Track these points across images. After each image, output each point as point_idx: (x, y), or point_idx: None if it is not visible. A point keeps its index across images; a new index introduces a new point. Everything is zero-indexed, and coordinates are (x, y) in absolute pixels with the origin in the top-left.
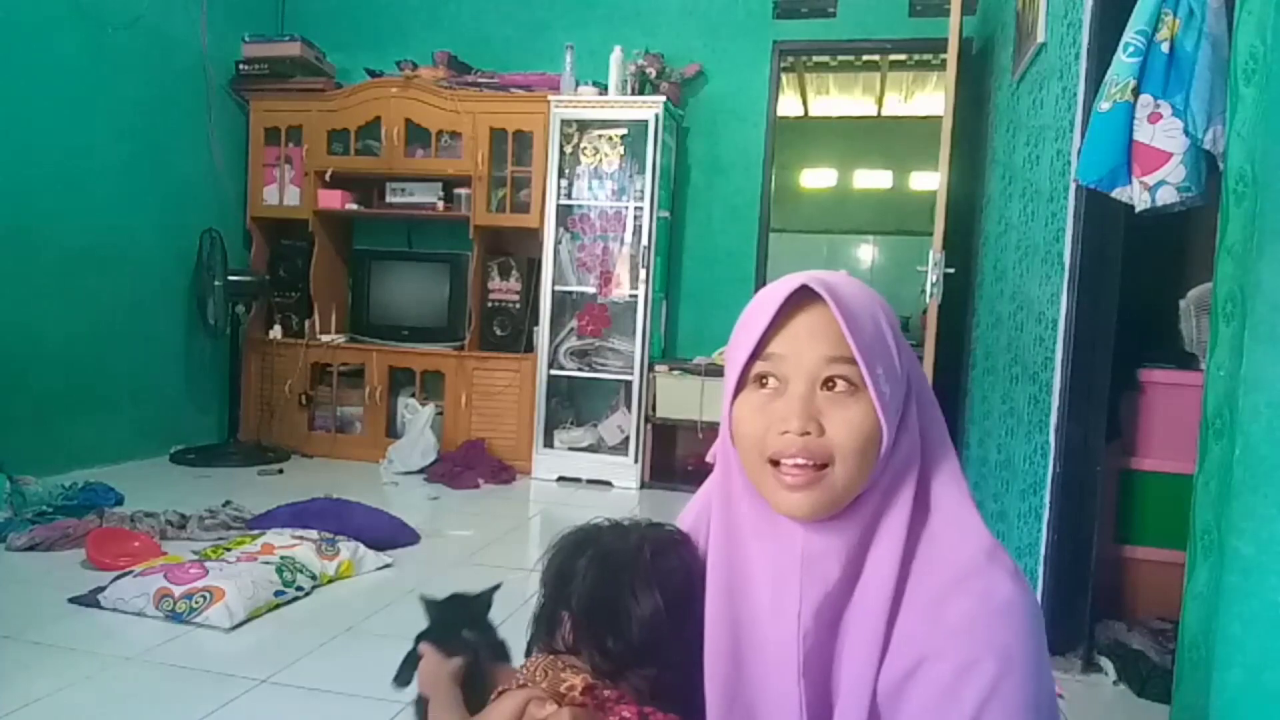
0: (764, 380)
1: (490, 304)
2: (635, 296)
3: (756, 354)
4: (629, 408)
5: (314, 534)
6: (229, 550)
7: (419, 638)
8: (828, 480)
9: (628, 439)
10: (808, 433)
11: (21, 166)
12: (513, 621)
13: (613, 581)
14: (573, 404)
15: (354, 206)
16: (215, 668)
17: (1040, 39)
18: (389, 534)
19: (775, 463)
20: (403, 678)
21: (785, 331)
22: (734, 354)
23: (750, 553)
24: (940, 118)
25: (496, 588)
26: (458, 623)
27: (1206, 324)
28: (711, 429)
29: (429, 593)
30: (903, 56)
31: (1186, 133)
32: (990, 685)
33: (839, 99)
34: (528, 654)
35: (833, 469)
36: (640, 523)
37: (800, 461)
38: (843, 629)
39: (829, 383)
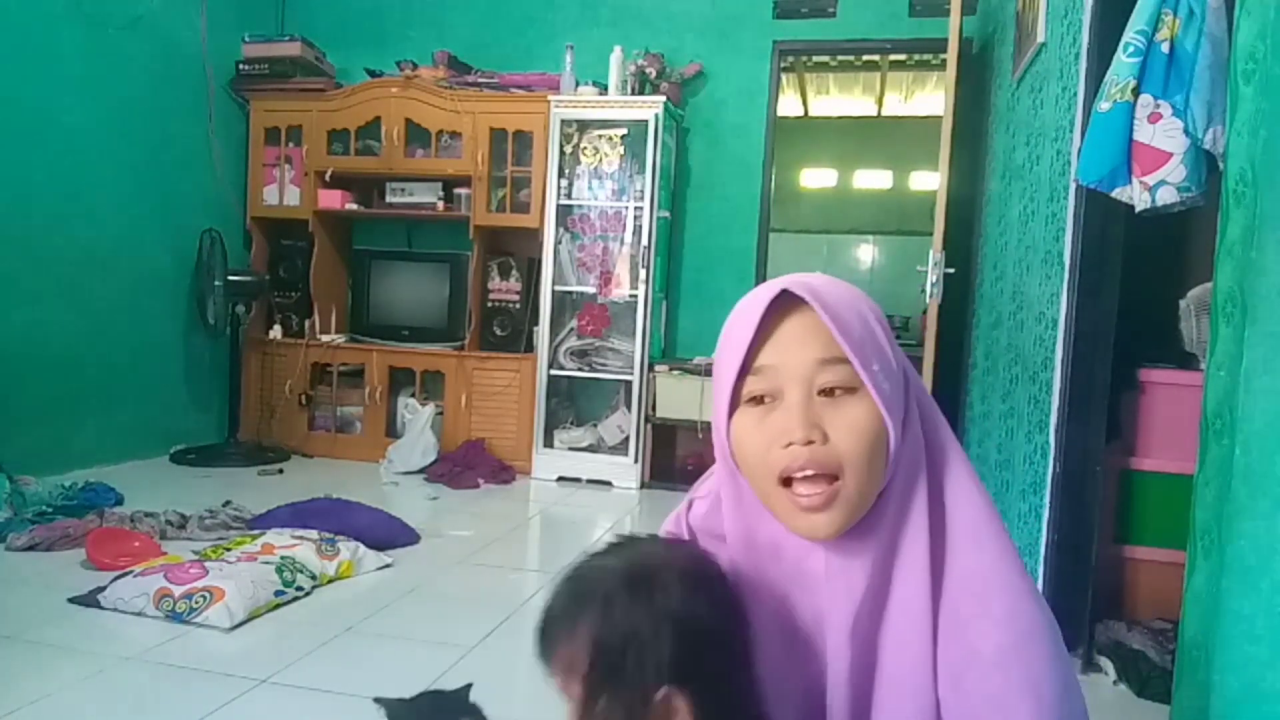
0: (759, 398)
1: (490, 304)
2: (635, 296)
3: (745, 369)
4: (629, 408)
5: (314, 534)
6: (229, 550)
7: None
8: (843, 494)
9: (628, 439)
10: (812, 441)
11: (21, 167)
12: (510, 624)
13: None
14: (573, 404)
15: (354, 206)
16: (215, 668)
17: (1040, 39)
18: (389, 534)
19: (786, 483)
20: None
21: (771, 341)
22: (721, 372)
23: (774, 570)
24: (940, 118)
25: (468, 687)
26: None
27: (1206, 324)
28: (711, 430)
29: (386, 696)
30: (903, 56)
31: (1186, 133)
32: (1031, 714)
33: (839, 99)
34: None
35: (844, 480)
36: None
37: (810, 473)
38: (881, 646)
39: (825, 391)
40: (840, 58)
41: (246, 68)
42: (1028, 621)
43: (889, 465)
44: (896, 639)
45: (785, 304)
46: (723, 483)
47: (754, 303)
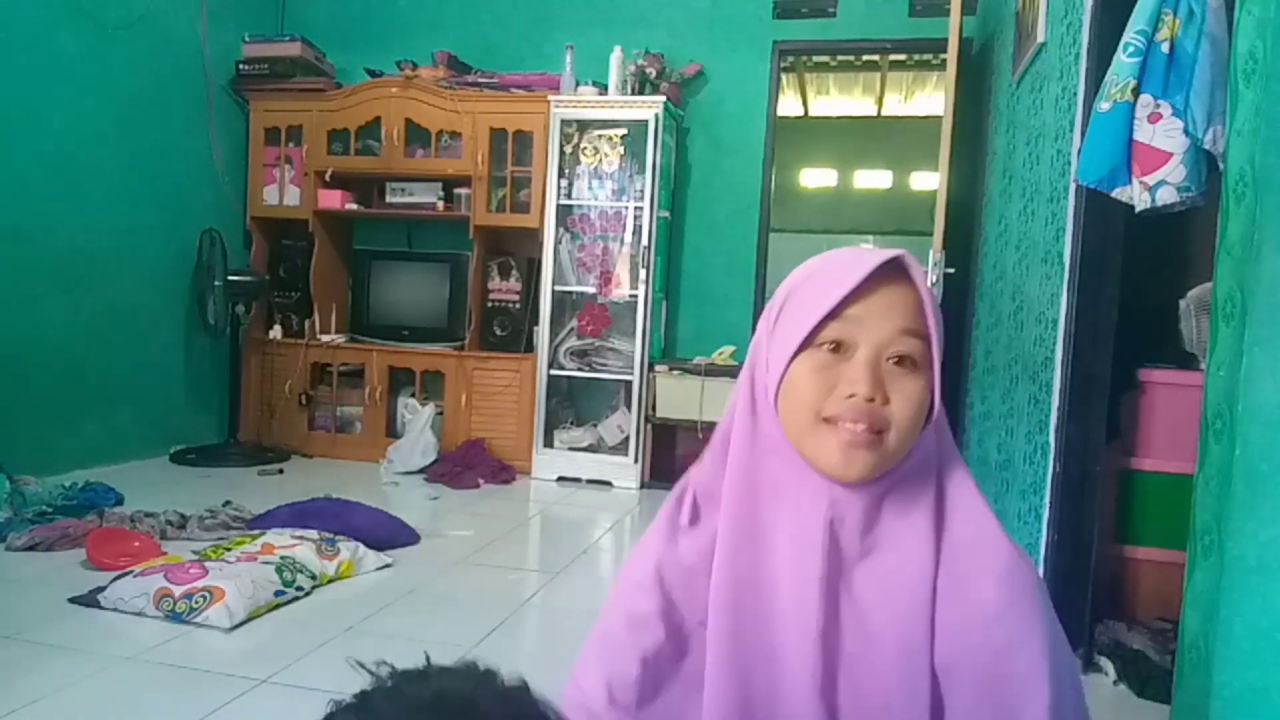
0: (833, 345)
1: (490, 304)
2: (635, 296)
3: (833, 314)
4: (629, 408)
5: (314, 534)
6: (229, 550)
7: None
8: (883, 445)
9: (628, 439)
10: (873, 399)
11: (21, 166)
12: (510, 624)
13: None
14: (573, 404)
15: (354, 206)
16: (215, 668)
17: (1040, 39)
18: (389, 534)
19: (829, 421)
20: None
21: (864, 299)
22: (808, 310)
23: (770, 512)
24: (940, 118)
25: None
26: None
27: (1206, 324)
28: (712, 430)
29: None
30: (903, 56)
31: (1186, 133)
32: (1033, 664)
33: (839, 99)
34: None
35: (887, 436)
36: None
37: (862, 426)
38: (860, 597)
39: (893, 358)
40: (840, 58)
41: (246, 68)
42: (1023, 579)
43: (919, 437)
44: (890, 599)
45: (882, 272)
46: (738, 424)
47: (862, 260)
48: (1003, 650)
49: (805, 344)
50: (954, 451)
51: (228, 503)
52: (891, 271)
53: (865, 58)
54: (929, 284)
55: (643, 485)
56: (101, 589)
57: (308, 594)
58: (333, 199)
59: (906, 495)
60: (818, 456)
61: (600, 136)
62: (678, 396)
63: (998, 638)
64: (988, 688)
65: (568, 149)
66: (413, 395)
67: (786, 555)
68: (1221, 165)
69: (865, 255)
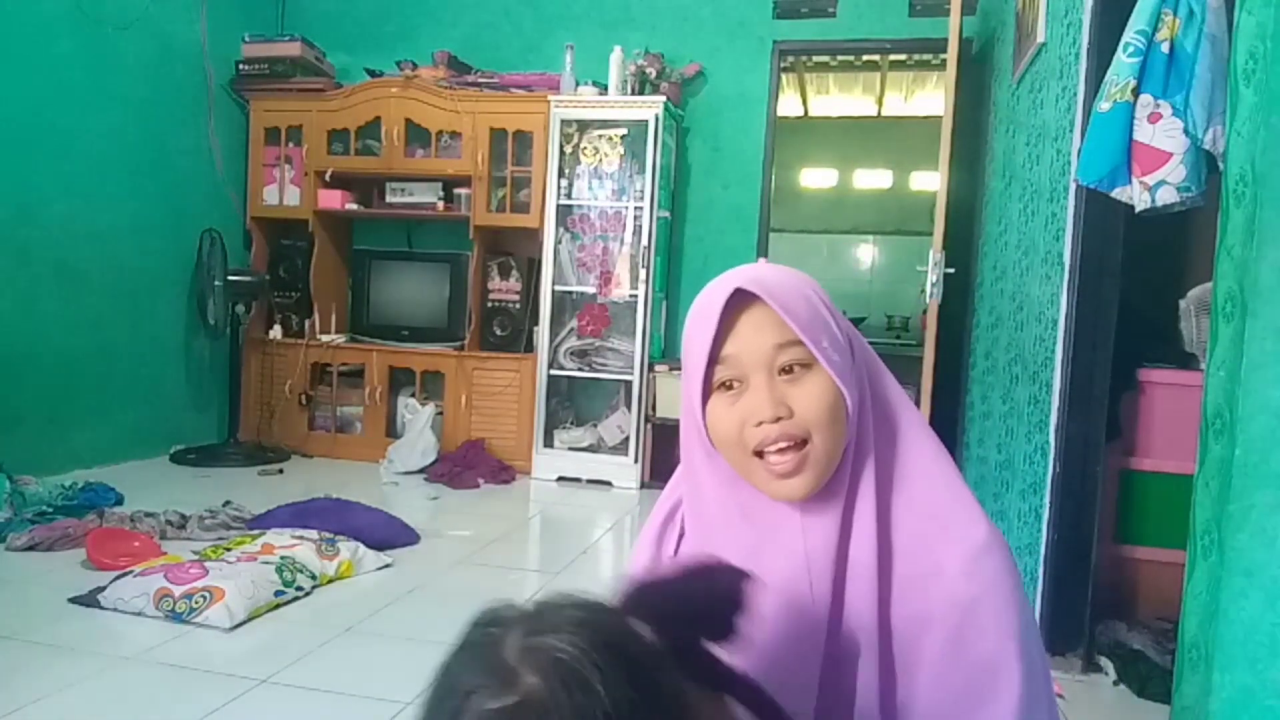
0: (727, 384)
1: (490, 304)
2: (635, 296)
3: (712, 360)
4: (629, 408)
5: (314, 534)
6: (229, 550)
7: None
8: (812, 457)
9: (627, 439)
10: (780, 418)
11: (21, 166)
12: None
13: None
14: (573, 404)
15: (354, 206)
16: (215, 668)
17: (1040, 39)
18: (389, 534)
19: (759, 454)
20: None
21: (732, 334)
22: (691, 364)
23: (745, 534)
24: (940, 118)
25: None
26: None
27: (1206, 324)
28: None
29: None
30: (903, 56)
31: (1186, 133)
32: (993, 620)
33: (839, 99)
34: None
35: (812, 443)
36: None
37: (782, 445)
38: (847, 587)
39: (784, 369)
40: (840, 58)
41: (246, 68)
42: (983, 537)
43: (849, 426)
44: (852, 568)
45: (740, 299)
46: (698, 459)
47: (712, 301)
48: (967, 603)
49: (707, 392)
50: (903, 414)
51: (228, 503)
52: (747, 298)
53: (865, 58)
54: (803, 286)
55: (643, 485)
56: (101, 589)
57: (308, 594)
58: (333, 199)
59: (858, 475)
60: (763, 488)
61: (600, 136)
62: (678, 396)
63: (960, 591)
64: (958, 645)
65: (568, 149)
66: (413, 395)
67: (775, 569)
68: (1221, 165)
69: (712, 299)
